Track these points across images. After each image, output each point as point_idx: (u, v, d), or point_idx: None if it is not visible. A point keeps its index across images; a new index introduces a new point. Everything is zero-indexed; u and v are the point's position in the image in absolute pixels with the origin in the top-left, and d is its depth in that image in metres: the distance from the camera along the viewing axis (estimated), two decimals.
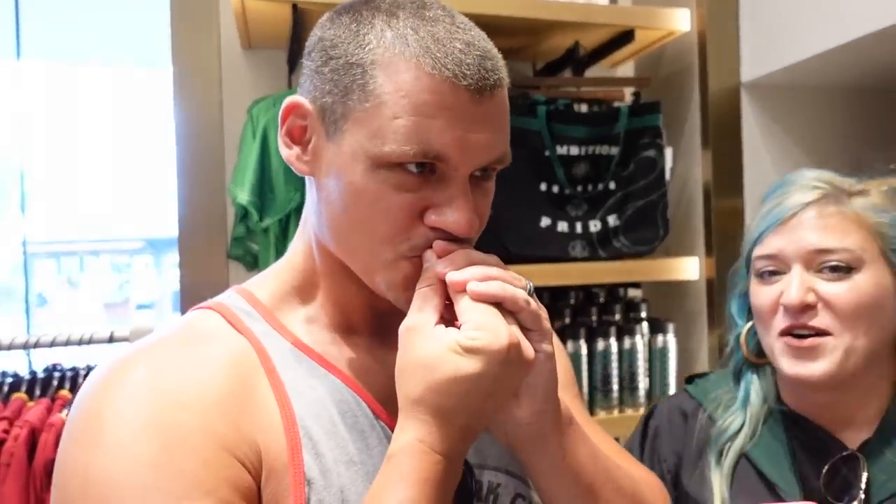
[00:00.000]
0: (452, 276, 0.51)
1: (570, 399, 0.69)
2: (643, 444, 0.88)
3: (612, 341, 1.56)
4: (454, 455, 0.50)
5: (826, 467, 0.73)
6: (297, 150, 0.57)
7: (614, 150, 1.54)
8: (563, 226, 1.55)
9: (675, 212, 1.62)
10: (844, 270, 0.73)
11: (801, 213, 0.76)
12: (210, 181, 1.39)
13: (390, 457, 0.49)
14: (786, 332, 0.75)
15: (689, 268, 1.57)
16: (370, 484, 0.50)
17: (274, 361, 0.56)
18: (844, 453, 0.74)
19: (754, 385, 0.82)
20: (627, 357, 1.57)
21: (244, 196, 1.38)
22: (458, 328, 0.51)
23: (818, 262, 0.74)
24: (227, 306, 0.59)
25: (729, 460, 0.79)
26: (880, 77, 1.50)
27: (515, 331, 0.50)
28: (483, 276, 0.51)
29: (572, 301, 1.80)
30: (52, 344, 1.28)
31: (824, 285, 0.73)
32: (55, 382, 1.27)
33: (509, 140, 0.58)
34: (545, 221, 1.55)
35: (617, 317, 1.70)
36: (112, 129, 4.11)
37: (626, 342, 1.58)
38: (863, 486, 0.70)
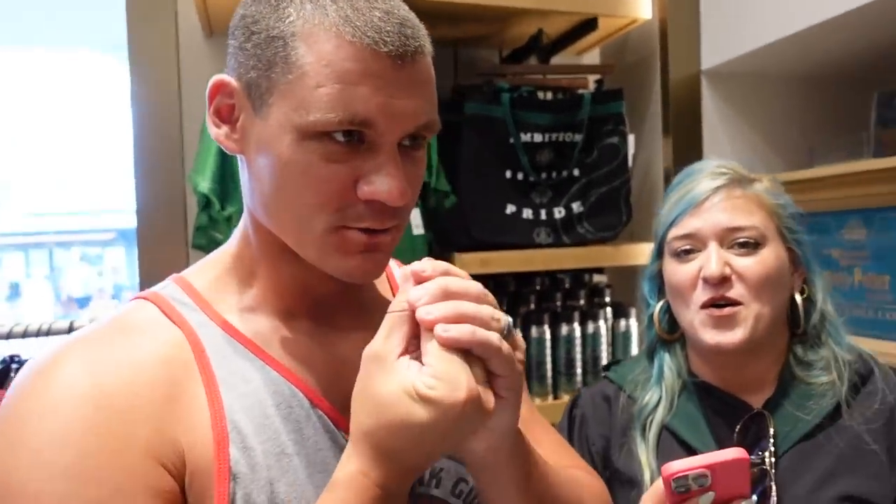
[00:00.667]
0: (422, 313, 0.48)
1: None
2: (571, 432, 0.92)
3: (576, 326, 1.58)
4: (398, 491, 0.49)
5: (738, 427, 0.80)
6: (225, 129, 0.56)
7: (578, 138, 1.56)
8: (528, 213, 1.57)
9: (637, 198, 1.64)
10: (752, 246, 0.81)
11: (712, 196, 0.83)
12: (169, 170, 1.37)
13: (333, 484, 0.49)
14: (707, 305, 0.80)
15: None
16: (304, 475, 0.50)
17: (208, 353, 0.55)
18: (752, 412, 0.81)
19: (667, 361, 0.88)
20: (591, 341, 1.60)
21: (205, 184, 1.37)
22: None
23: (730, 238, 0.81)
24: (163, 297, 0.58)
25: (652, 433, 0.84)
26: (829, 66, 1.54)
27: (474, 384, 0.47)
28: (455, 316, 0.48)
29: (538, 287, 1.83)
30: (9, 336, 1.26)
31: (736, 259, 0.80)
32: (13, 374, 1.26)
33: (437, 108, 0.57)
34: (510, 208, 1.56)
35: (581, 302, 1.73)
36: (76, 118, 4.04)
37: (590, 327, 1.60)
38: (771, 438, 0.77)
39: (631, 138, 1.61)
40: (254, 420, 0.54)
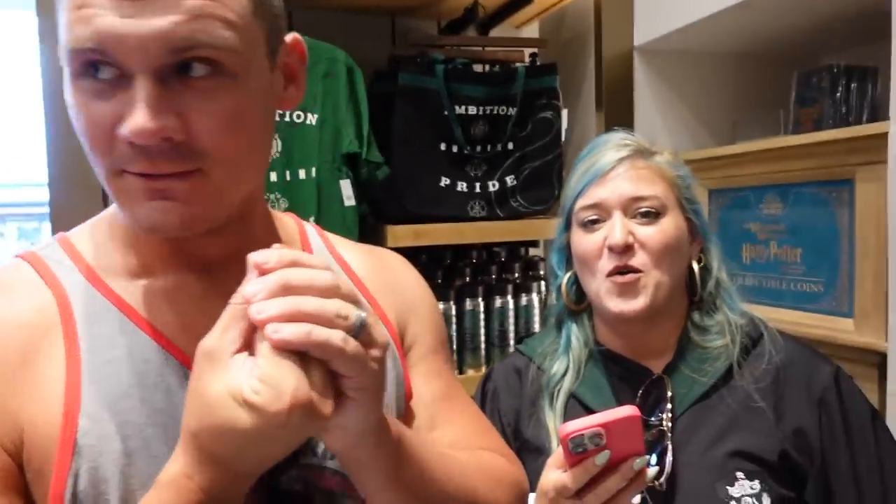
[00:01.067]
0: (254, 311, 0.44)
1: (440, 363, 0.69)
2: (483, 406, 0.94)
3: (510, 299, 1.60)
4: (223, 496, 0.46)
5: (640, 392, 0.83)
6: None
7: (512, 111, 1.56)
8: (462, 185, 1.57)
9: (570, 172, 1.66)
10: (654, 215, 0.83)
11: (617, 167, 0.85)
12: None
13: (157, 484, 0.46)
14: (612, 273, 0.82)
15: None
16: (169, 447, 0.47)
17: (77, 317, 0.53)
18: (652, 377, 0.84)
19: (574, 331, 0.90)
20: (524, 313, 1.62)
21: None
22: None
23: (633, 208, 0.83)
24: (40, 257, 0.56)
25: (559, 401, 0.86)
26: (754, 44, 1.58)
27: (303, 390, 0.43)
28: (291, 314, 0.43)
29: (474, 260, 1.84)
30: None
31: (639, 228, 0.83)
32: None
33: (224, 27, 0.49)
34: (445, 181, 1.56)
35: (516, 275, 1.75)
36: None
37: (523, 299, 1.62)
38: (669, 401, 0.81)
39: (564, 113, 1.62)
40: (113, 388, 0.51)
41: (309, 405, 0.43)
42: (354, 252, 0.72)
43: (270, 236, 0.63)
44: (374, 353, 0.46)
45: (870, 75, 1.37)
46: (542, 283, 1.67)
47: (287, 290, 0.45)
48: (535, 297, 1.63)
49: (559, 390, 0.87)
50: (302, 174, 1.38)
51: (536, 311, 1.63)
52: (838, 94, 1.35)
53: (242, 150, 0.52)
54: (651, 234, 0.82)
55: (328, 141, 1.37)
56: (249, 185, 0.56)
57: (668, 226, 0.83)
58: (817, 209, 1.27)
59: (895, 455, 0.78)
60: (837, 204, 1.22)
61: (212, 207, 0.52)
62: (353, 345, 0.45)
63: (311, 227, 0.72)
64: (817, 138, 1.23)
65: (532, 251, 1.96)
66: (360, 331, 0.46)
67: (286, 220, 0.70)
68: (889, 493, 0.76)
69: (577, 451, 0.66)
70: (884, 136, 1.07)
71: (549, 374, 0.89)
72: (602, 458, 0.66)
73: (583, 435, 0.65)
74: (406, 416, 0.65)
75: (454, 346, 1.55)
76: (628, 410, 0.66)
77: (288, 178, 1.38)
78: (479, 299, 1.58)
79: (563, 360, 0.89)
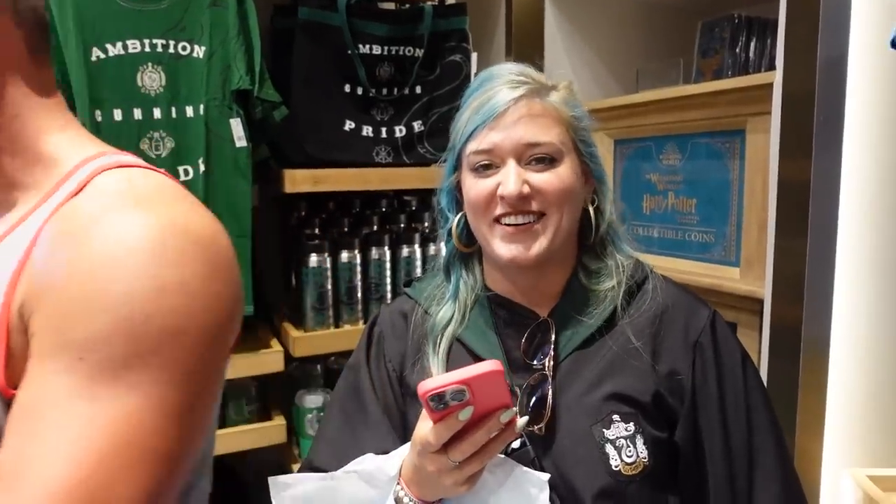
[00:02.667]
0: None
1: (46, 372, 0.47)
2: (369, 350, 0.92)
3: (417, 248, 1.57)
4: None
5: (525, 336, 0.82)
6: None
7: (419, 53, 1.51)
8: (367, 130, 1.52)
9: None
10: (549, 161, 0.79)
11: (511, 109, 0.79)
12: None
13: None
14: (504, 216, 0.80)
15: None
16: None
17: None
18: (538, 321, 0.83)
19: (463, 276, 0.88)
20: (431, 262, 1.59)
21: None
22: None
23: (528, 154, 0.79)
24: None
25: (443, 346, 0.85)
26: None
27: None
28: None
29: (383, 208, 1.80)
30: None
31: (534, 175, 0.79)
32: None
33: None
34: (349, 125, 1.50)
35: (425, 224, 1.72)
36: None
37: (431, 248, 1.60)
38: (552, 345, 0.80)
39: (474, 57, 1.57)
40: None
41: None
42: (64, 225, 0.52)
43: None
44: None
45: (769, 27, 1.38)
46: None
47: None
48: (443, 246, 1.61)
49: (444, 336, 0.85)
50: (189, 111, 1.29)
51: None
52: (738, 46, 1.36)
53: None
54: (547, 180, 0.78)
55: (217, 76, 1.28)
56: None
57: (565, 172, 0.79)
58: (711, 160, 1.28)
59: (761, 396, 0.80)
60: (730, 155, 1.24)
61: None
62: None
63: (96, 183, 0.55)
64: (712, 88, 1.23)
65: None
66: None
67: (68, 162, 0.57)
68: (753, 431, 0.78)
69: (439, 408, 0.64)
70: (768, 87, 1.08)
71: (434, 320, 0.87)
72: (465, 414, 0.65)
73: (444, 392, 0.63)
74: None
75: (359, 296, 1.52)
76: (490, 365, 0.64)
77: (174, 115, 1.29)
78: (386, 248, 1.55)
79: (451, 305, 0.86)
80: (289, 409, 1.55)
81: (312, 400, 1.49)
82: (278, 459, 1.65)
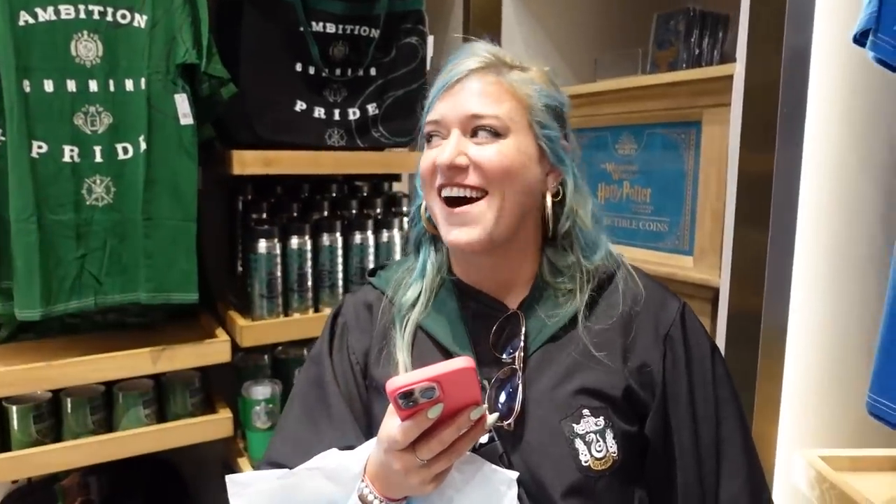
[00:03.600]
0: None
1: None
2: (332, 341, 0.88)
3: (370, 234, 1.53)
4: None
5: (494, 328, 0.79)
6: None
7: (375, 33, 1.46)
8: (319, 112, 1.46)
9: None
10: (493, 134, 0.76)
11: (464, 80, 0.77)
12: None
13: None
14: (443, 188, 0.77)
15: None
16: None
17: None
18: (507, 314, 0.80)
19: (431, 256, 0.85)
20: (385, 250, 1.56)
21: None
22: None
23: (472, 126, 0.77)
24: None
25: (408, 332, 0.81)
26: None
27: None
28: None
29: (334, 194, 1.75)
30: None
31: (474, 149, 0.76)
32: None
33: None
34: (300, 105, 1.44)
35: (377, 210, 1.68)
36: None
37: (384, 235, 1.56)
38: (522, 338, 0.78)
39: (430, 40, 1.54)
40: None
41: None
42: None
43: None
44: None
45: (721, 22, 1.41)
46: (404, 219, 1.62)
47: None
48: (396, 233, 1.58)
49: (408, 320, 0.82)
50: (129, 85, 1.20)
51: (398, 248, 1.58)
52: (693, 39, 1.38)
53: None
54: (486, 154, 0.75)
55: (160, 48, 1.20)
56: None
57: (508, 147, 0.75)
58: (667, 150, 1.30)
59: (729, 387, 0.80)
60: (685, 146, 1.26)
61: None
62: None
63: None
64: (669, 79, 1.25)
65: (396, 186, 1.89)
66: None
67: None
68: (721, 423, 0.78)
69: (409, 406, 0.62)
70: (727, 79, 1.10)
71: (400, 301, 0.83)
72: (435, 412, 0.62)
73: (413, 390, 0.60)
74: None
75: (310, 284, 1.47)
76: (462, 362, 0.61)
77: (111, 88, 1.20)
78: (338, 234, 1.50)
79: (417, 285, 0.83)
80: (234, 402, 1.49)
81: (260, 391, 1.43)
82: (222, 454, 1.58)
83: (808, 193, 0.96)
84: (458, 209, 0.75)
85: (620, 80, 1.39)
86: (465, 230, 0.75)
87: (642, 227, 1.38)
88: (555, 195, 0.81)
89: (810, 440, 1.00)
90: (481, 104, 0.76)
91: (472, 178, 0.75)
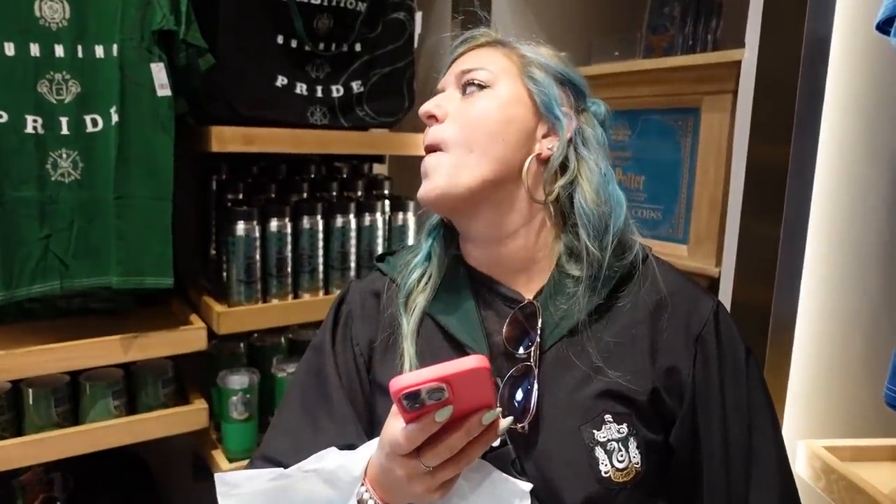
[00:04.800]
0: None
1: None
2: (335, 331, 0.81)
3: (352, 217, 1.47)
4: None
5: (508, 319, 0.73)
6: None
7: (361, 7, 1.39)
8: (301, 87, 1.39)
9: (423, 84, 1.54)
10: (478, 87, 0.73)
11: (466, 54, 0.77)
12: None
13: None
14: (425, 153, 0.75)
15: None
16: None
17: None
18: (522, 304, 0.73)
19: (440, 238, 0.80)
20: (367, 234, 1.51)
21: None
22: None
23: (463, 80, 0.75)
24: None
25: (414, 317, 0.76)
26: None
27: None
28: None
29: (313, 175, 1.68)
30: None
31: (458, 101, 0.74)
32: None
33: None
34: (281, 80, 1.36)
35: (359, 193, 1.63)
36: None
37: (367, 219, 1.50)
38: (538, 331, 0.71)
39: (418, 16, 1.48)
40: None
41: None
42: None
43: None
44: None
45: (715, 10, 1.40)
46: (387, 202, 1.56)
47: None
48: (379, 216, 1.52)
49: (416, 304, 0.76)
50: (99, 51, 1.11)
51: (380, 233, 1.53)
52: (687, 25, 1.36)
53: None
54: (465, 105, 0.72)
55: (135, 13, 1.11)
56: None
57: (486, 98, 0.71)
58: (662, 137, 1.28)
59: (763, 394, 0.74)
60: (682, 132, 1.24)
61: None
62: None
63: None
64: (668, 63, 1.23)
65: (376, 168, 1.83)
66: None
67: None
68: (754, 432, 0.71)
69: (414, 408, 0.56)
70: (731, 66, 1.08)
71: (403, 286, 0.78)
72: (443, 415, 0.57)
73: (419, 391, 0.55)
74: None
75: (290, 269, 1.40)
76: (475, 361, 0.55)
77: (80, 54, 1.10)
78: (319, 217, 1.43)
79: (423, 266, 0.78)
80: (208, 392, 1.42)
81: (237, 380, 1.36)
82: (192, 446, 1.51)
83: (820, 185, 0.95)
84: (427, 157, 0.73)
85: (617, 64, 1.36)
86: (424, 183, 0.72)
87: (635, 215, 1.36)
88: (539, 157, 0.73)
89: (817, 431, 1.00)
90: (473, 61, 0.75)
91: (440, 130, 0.72)
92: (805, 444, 0.90)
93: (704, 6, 1.38)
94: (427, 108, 0.74)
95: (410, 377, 0.55)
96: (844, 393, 1.00)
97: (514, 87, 0.73)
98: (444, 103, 0.74)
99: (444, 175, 0.70)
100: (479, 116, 0.71)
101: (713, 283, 1.14)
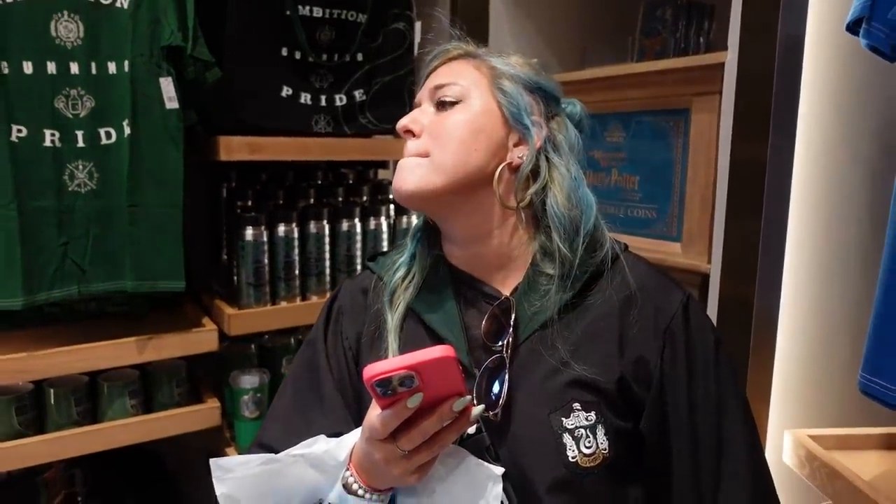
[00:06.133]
0: None
1: None
2: (327, 326, 0.86)
3: (357, 222, 1.52)
4: None
5: (486, 315, 0.77)
6: None
7: (362, 18, 1.44)
8: (306, 97, 1.44)
9: None
10: (451, 104, 0.77)
11: (440, 68, 0.81)
12: None
13: None
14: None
15: None
16: None
17: None
18: (499, 300, 0.77)
19: (424, 239, 0.84)
20: (372, 238, 1.55)
21: None
22: None
23: (436, 97, 0.78)
24: None
25: (398, 312, 0.80)
26: None
27: None
28: None
29: (319, 181, 1.73)
30: None
31: (433, 115, 0.78)
32: None
33: None
34: (286, 91, 1.41)
35: (364, 198, 1.67)
36: None
37: (371, 223, 1.55)
38: (511, 326, 0.74)
39: (417, 26, 1.53)
40: None
41: None
42: None
43: None
44: None
45: (707, 13, 1.42)
46: (392, 206, 1.61)
47: None
48: (383, 220, 1.57)
49: (399, 300, 0.80)
50: (111, 68, 1.17)
51: (385, 236, 1.58)
52: (679, 29, 1.39)
53: None
54: (438, 119, 0.76)
55: (144, 30, 1.17)
56: None
57: (458, 112, 0.75)
58: (655, 138, 1.31)
59: (733, 384, 0.75)
60: (674, 133, 1.27)
61: None
62: None
63: None
64: (659, 66, 1.26)
65: (382, 173, 1.88)
66: None
67: None
68: (723, 421, 0.73)
69: (387, 394, 0.60)
70: (717, 68, 1.11)
71: (388, 282, 0.82)
72: (414, 402, 0.61)
73: (391, 378, 0.59)
74: None
75: (297, 272, 1.45)
76: (440, 351, 0.59)
77: (94, 70, 1.16)
78: (325, 222, 1.49)
79: (407, 265, 0.83)
80: (220, 391, 1.47)
81: (248, 380, 1.41)
82: (209, 445, 1.56)
83: (799, 181, 0.98)
84: (406, 161, 0.77)
85: (609, 67, 1.40)
86: (395, 178, 0.76)
87: (630, 214, 1.39)
88: (511, 166, 0.77)
89: (801, 420, 1.02)
90: (445, 75, 0.78)
91: (416, 143, 0.76)
92: (790, 434, 0.93)
93: (696, 10, 1.41)
94: (403, 122, 0.78)
95: (381, 365, 0.59)
96: (832, 384, 1.03)
97: (485, 100, 0.77)
98: (420, 118, 0.78)
99: (417, 175, 0.74)
100: (451, 129, 0.75)
101: (704, 280, 1.17)
